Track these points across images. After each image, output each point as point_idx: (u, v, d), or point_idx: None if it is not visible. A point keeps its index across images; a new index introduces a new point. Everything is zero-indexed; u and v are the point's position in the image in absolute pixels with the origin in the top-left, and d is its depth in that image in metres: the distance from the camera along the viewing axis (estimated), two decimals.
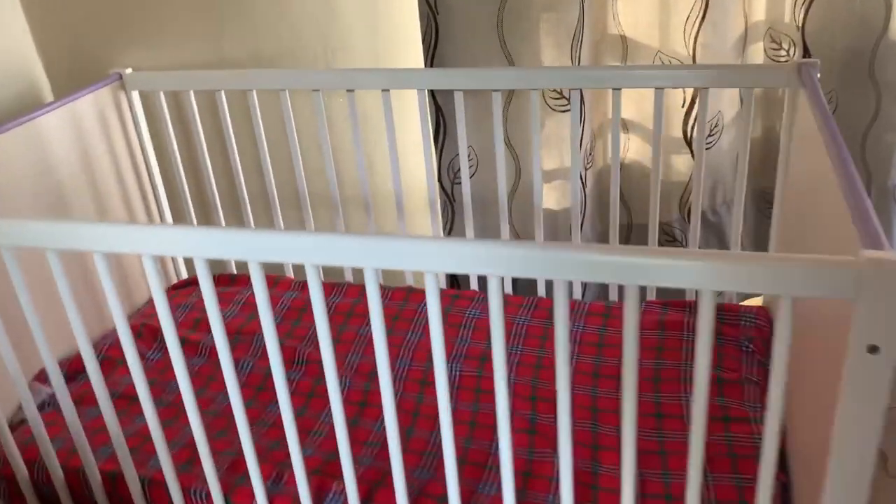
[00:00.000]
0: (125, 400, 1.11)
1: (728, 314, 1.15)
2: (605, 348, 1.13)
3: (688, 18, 1.41)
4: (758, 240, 1.67)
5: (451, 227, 1.56)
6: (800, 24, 1.53)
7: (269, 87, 1.22)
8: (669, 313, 1.18)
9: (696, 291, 0.68)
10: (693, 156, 1.53)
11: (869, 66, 1.57)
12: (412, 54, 1.40)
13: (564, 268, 0.63)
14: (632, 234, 1.63)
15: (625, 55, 1.48)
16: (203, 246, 0.72)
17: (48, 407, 1.12)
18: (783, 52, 1.56)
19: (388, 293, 1.31)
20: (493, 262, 0.65)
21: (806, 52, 1.54)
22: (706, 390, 0.67)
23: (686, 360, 1.08)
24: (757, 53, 1.55)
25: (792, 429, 0.91)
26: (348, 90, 1.20)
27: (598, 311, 1.21)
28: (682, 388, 1.04)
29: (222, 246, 0.72)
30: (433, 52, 1.37)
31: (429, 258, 0.67)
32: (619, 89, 1.11)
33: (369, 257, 0.69)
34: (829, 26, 1.53)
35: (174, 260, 1.42)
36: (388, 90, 1.19)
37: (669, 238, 1.60)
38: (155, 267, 0.76)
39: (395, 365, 1.13)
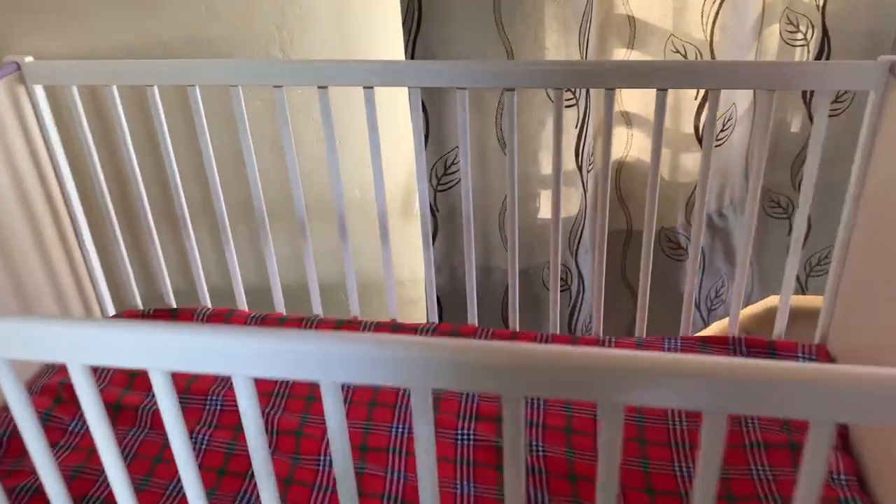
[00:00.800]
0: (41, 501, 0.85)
1: (781, 354, 0.98)
2: None
3: None
4: (758, 241, 1.52)
5: (434, 239, 1.34)
6: (820, 5, 1.36)
7: (218, 82, 0.96)
8: (712, 351, 1.00)
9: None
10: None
11: (892, 51, 1.42)
12: (389, 38, 1.16)
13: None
14: (631, 241, 1.45)
15: (632, 39, 1.28)
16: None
17: None
18: (800, 36, 1.39)
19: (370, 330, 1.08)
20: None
21: (825, 36, 1.38)
22: None
23: (749, 423, 0.89)
24: (772, 37, 1.38)
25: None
26: (320, 87, 0.95)
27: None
28: (749, 459, 0.85)
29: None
30: (415, 37, 1.13)
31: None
32: (665, 90, 0.91)
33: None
34: (852, 8, 1.37)
35: (96, 289, 1.15)
36: (371, 87, 0.95)
37: (673, 245, 1.42)
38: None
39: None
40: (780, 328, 1.02)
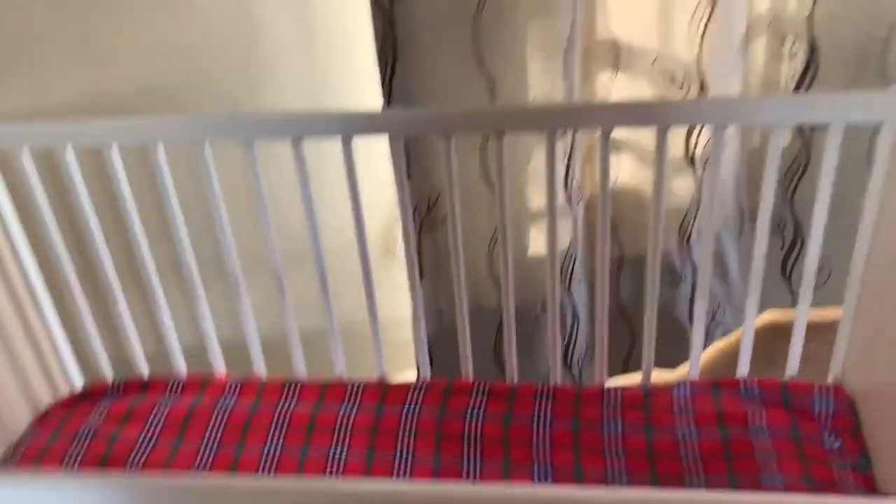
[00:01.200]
0: None
1: (797, 397, 0.93)
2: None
3: (693, 15, 1.17)
4: (750, 258, 1.48)
5: (421, 278, 1.27)
6: (807, 16, 1.32)
7: (184, 139, 0.88)
8: (724, 397, 0.95)
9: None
10: (696, 176, 1.30)
11: (880, 61, 1.38)
12: (363, 77, 1.09)
13: None
14: (623, 269, 1.39)
15: (616, 63, 1.22)
16: None
17: None
18: (787, 49, 1.35)
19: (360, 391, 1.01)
20: None
21: (812, 48, 1.33)
22: None
23: (774, 475, 0.84)
24: (759, 51, 1.34)
25: None
26: (295, 138, 0.88)
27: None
28: None
29: None
30: (391, 75, 1.06)
31: None
32: (667, 127, 0.85)
33: None
34: (839, 18, 1.33)
35: (61, 361, 1.07)
36: (350, 137, 0.88)
37: (668, 270, 1.37)
38: None
39: None
40: (792, 368, 0.97)
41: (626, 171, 1.30)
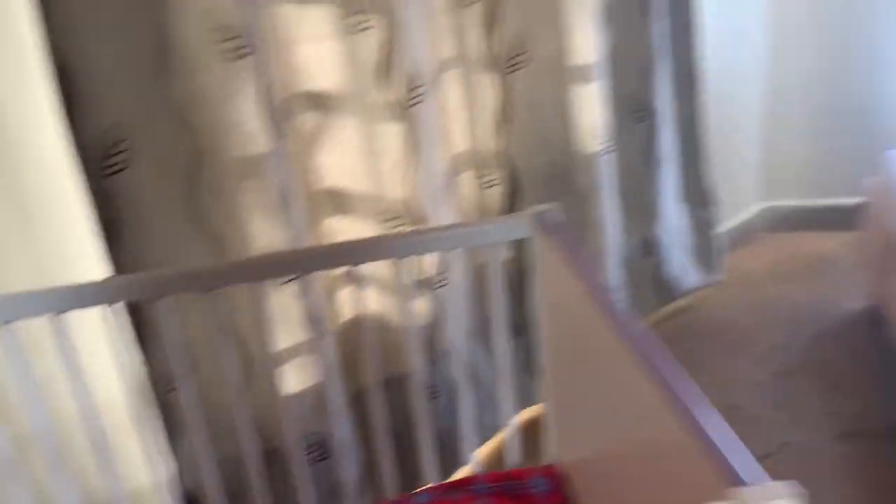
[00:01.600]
0: None
1: (517, 483, 1.04)
2: None
3: (398, 162, 1.34)
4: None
5: (174, 439, 1.28)
6: (501, 149, 1.55)
7: None
8: (460, 496, 1.04)
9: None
10: (431, 296, 1.44)
11: (566, 177, 1.64)
12: (90, 250, 1.13)
13: None
14: (388, 391, 1.48)
15: (339, 208, 1.36)
16: None
17: None
18: (490, 177, 1.57)
19: None
20: None
21: (513, 173, 1.56)
22: None
23: None
24: (467, 182, 1.54)
25: None
26: (5, 322, 0.90)
27: None
28: None
29: None
30: (116, 249, 1.11)
31: None
32: (357, 264, 0.97)
33: None
34: (526, 147, 1.58)
35: None
36: (63, 312, 0.92)
37: (428, 386, 1.48)
38: None
39: None
40: (511, 458, 1.09)
41: (370, 299, 1.41)
